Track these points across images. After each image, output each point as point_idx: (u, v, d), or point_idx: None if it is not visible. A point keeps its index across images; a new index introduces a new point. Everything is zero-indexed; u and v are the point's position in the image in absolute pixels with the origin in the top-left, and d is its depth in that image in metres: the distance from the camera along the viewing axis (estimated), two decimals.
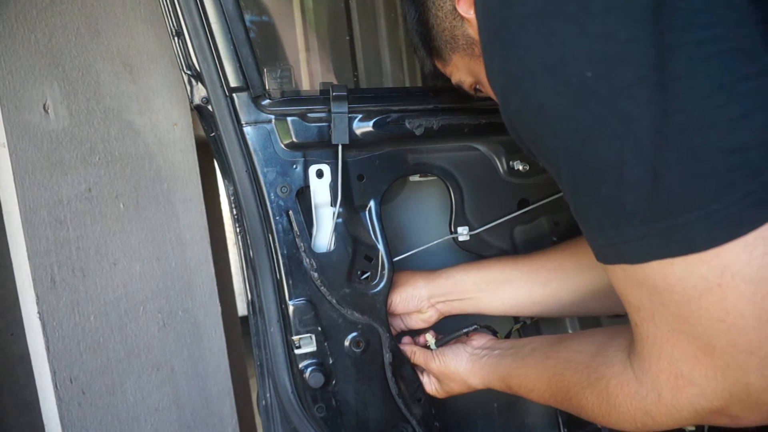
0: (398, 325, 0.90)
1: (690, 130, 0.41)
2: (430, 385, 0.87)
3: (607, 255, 0.49)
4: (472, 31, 0.65)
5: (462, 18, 0.64)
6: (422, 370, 0.88)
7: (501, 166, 0.90)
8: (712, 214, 0.41)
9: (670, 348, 0.48)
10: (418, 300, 0.86)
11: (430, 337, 0.86)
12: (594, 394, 0.59)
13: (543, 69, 0.46)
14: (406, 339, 0.89)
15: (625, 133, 0.43)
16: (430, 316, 0.87)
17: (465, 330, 0.86)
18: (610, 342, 0.61)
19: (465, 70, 0.72)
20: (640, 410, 0.53)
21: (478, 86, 0.73)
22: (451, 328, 0.88)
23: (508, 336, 0.90)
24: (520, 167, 0.90)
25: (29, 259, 0.85)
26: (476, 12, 0.53)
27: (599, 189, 0.46)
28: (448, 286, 0.86)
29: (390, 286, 0.84)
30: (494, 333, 0.87)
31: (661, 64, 0.41)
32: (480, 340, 0.84)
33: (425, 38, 0.72)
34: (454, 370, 0.82)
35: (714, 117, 0.41)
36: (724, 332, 0.44)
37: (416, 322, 0.88)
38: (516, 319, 0.97)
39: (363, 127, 0.80)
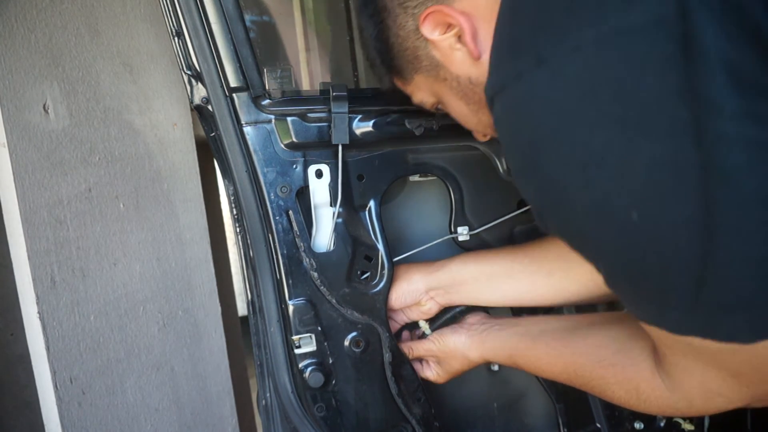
0: (400, 318, 0.89)
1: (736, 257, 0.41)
2: (431, 370, 0.86)
3: (648, 320, 0.52)
4: (438, 53, 0.63)
5: (426, 39, 0.62)
6: (421, 360, 0.88)
7: (501, 166, 0.90)
8: (753, 320, 0.44)
9: (700, 374, 0.53)
10: (415, 294, 0.86)
11: (423, 323, 0.87)
12: (623, 391, 0.64)
13: (583, 210, 0.45)
14: (404, 335, 0.89)
15: (671, 259, 0.43)
16: (429, 308, 0.87)
17: (457, 309, 0.86)
18: (631, 341, 0.64)
19: (427, 91, 0.70)
20: (670, 408, 0.60)
21: (440, 106, 0.72)
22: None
23: None
24: None
25: (29, 259, 0.85)
26: (502, 126, 0.50)
27: (641, 286, 0.48)
28: (446, 279, 0.85)
29: (390, 286, 0.84)
30: (485, 311, 0.88)
31: (705, 192, 0.39)
32: (475, 317, 0.85)
33: (384, 56, 0.69)
34: (453, 346, 0.82)
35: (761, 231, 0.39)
36: (753, 368, 0.48)
37: (416, 314, 0.88)
38: (516, 314, 0.97)
39: (363, 127, 0.80)
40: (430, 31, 0.60)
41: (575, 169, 0.44)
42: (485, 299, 0.86)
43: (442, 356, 0.84)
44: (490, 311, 0.89)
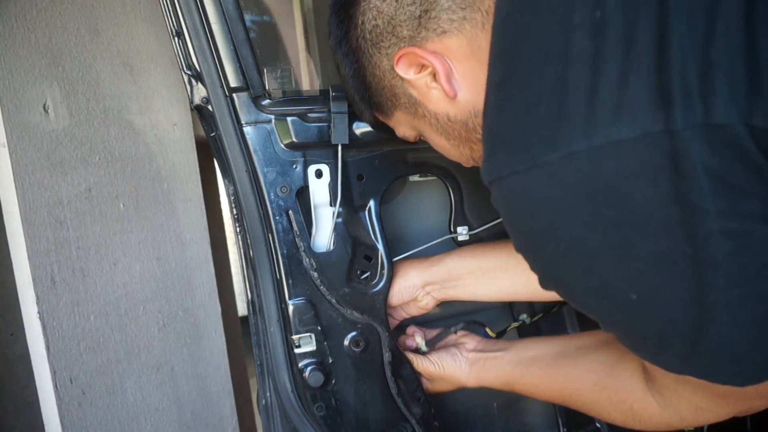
0: (398, 315, 0.90)
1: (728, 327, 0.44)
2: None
3: (646, 360, 0.56)
4: (415, 91, 0.63)
5: (401, 78, 0.62)
6: None
7: None
8: (744, 370, 0.48)
9: (690, 395, 0.58)
10: (412, 290, 0.86)
11: (419, 339, 0.87)
12: (618, 412, 0.68)
13: (584, 289, 0.49)
14: (398, 343, 0.90)
15: (668, 327, 0.47)
16: (426, 304, 0.87)
17: (453, 328, 0.87)
18: (620, 364, 0.68)
19: (408, 126, 0.70)
20: (664, 424, 0.64)
21: (423, 138, 0.72)
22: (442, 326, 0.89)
23: (502, 333, 0.90)
24: None
25: (29, 259, 0.85)
26: (501, 210, 0.51)
27: (641, 344, 0.52)
28: (442, 274, 0.85)
29: (390, 286, 0.84)
30: (483, 326, 0.88)
31: (697, 277, 0.42)
32: (471, 343, 0.86)
33: (363, 94, 0.69)
34: (450, 372, 0.84)
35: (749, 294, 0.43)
36: (740, 393, 0.52)
37: (414, 309, 0.89)
38: (514, 317, 0.97)
39: (363, 127, 0.80)
40: (404, 71, 0.60)
41: (574, 258, 0.47)
42: (482, 294, 0.86)
43: (436, 378, 0.86)
44: (491, 320, 0.90)
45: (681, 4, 0.40)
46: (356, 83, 0.68)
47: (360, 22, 0.63)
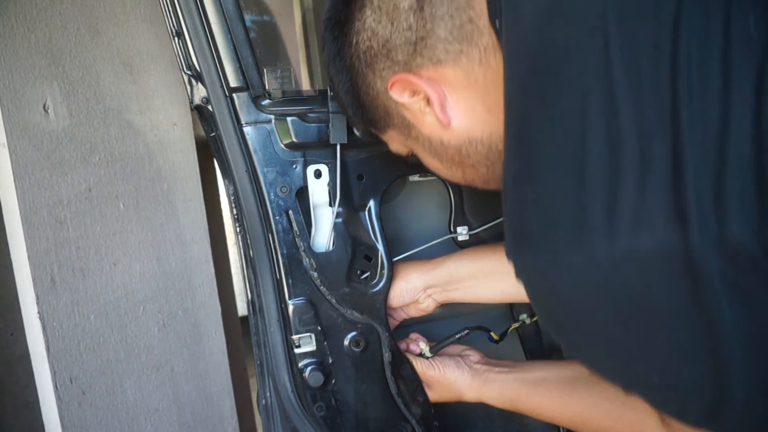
0: (398, 315, 0.89)
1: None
2: None
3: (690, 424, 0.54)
4: (408, 114, 0.62)
5: (395, 100, 0.62)
6: None
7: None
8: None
9: None
10: (413, 292, 0.85)
11: (424, 345, 0.86)
12: None
13: (609, 368, 0.50)
14: (402, 346, 0.89)
15: (689, 399, 0.47)
16: (427, 306, 0.87)
17: (458, 335, 0.86)
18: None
19: (401, 144, 0.70)
20: None
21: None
22: (445, 333, 0.88)
23: (504, 335, 0.90)
24: None
25: (29, 259, 0.85)
26: (523, 283, 0.52)
27: (664, 405, 0.51)
28: (443, 276, 0.85)
29: (389, 286, 0.84)
30: (488, 332, 0.87)
31: (717, 363, 0.43)
32: (476, 356, 0.85)
33: (356, 110, 0.68)
34: (452, 380, 0.83)
35: None
36: None
37: (414, 311, 0.88)
38: (514, 318, 0.97)
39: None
40: (398, 95, 0.60)
41: (597, 343, 0.49)
42: (483, 296, 0.86)
43: (436, 385, 0.85)
44: (491, 323, 0.89)
45: (694, 135, 0.41)
46: (350, 99, 0.68)
47: (354, 41, 0.62)
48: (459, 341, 0.87)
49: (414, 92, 0.59)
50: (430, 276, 0.85)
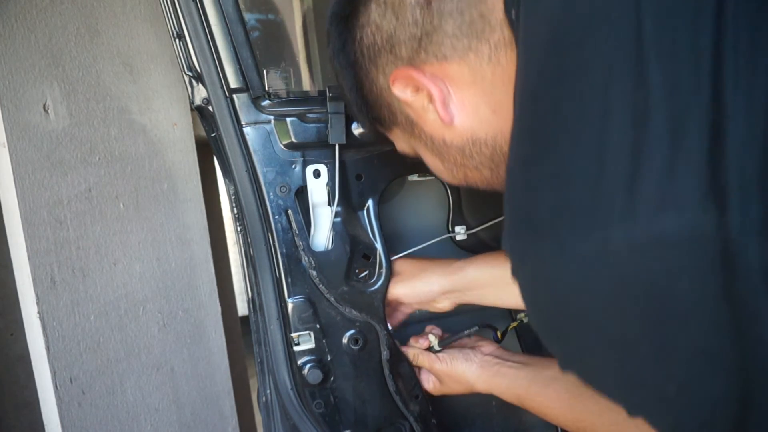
0: (408, 309, 0.88)
1: None
2: (428, 383, 0.87)
3: None
4: (411, 111, 0.61)
5: (398, 97, 0.60)
6: (420, 368, 0.88)
7: None
8: None
9: None
10: (430, 294, 0.84)
11: (433, 338, 0.86)
12: None
13: (616, 382, 0.44)
14: (411, 340, 0.89)
15: (707, 420, 0.41)
16: (443, 306, 0.86)
17: (467, 332, 0.86)
18: None
19: (406, 144, 0.69)
20: None
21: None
22: (447, 327, 0.88)
23: (504, 333, 0.91)
24: None
25: (29, 259, 0.86)
26: (524, 292, 0.47)
27: (679, 428, 0.44)
28: (463, 283, 0.83)
29: (388, 285, 0.84)
30: (495, 331, 0.88)
31: (742, 377, 0.38)
32: (488, 348, 0.85)
33: (361, 107, 0.67)
34: (461, 373, 0.82)
35: None
36: None
37: (429, 307, 0.87)
38: (513, 317, 0.97)
39: (361, 127, 0.81)
40: (400, 91, 0.58)
41: (605, 349, 0.43)
42: (501, 302, 0.84)
43: (446, 378, 0.84)
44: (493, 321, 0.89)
45: (738, 106, 0.36)
46: (354, 96, 0.66)
47: (358, 36, 0.61)
48: (468, 337, 0.87)
49: (416, 88, 0.57)
50: (449, 281, 0.84)
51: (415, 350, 0.86)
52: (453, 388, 0.84)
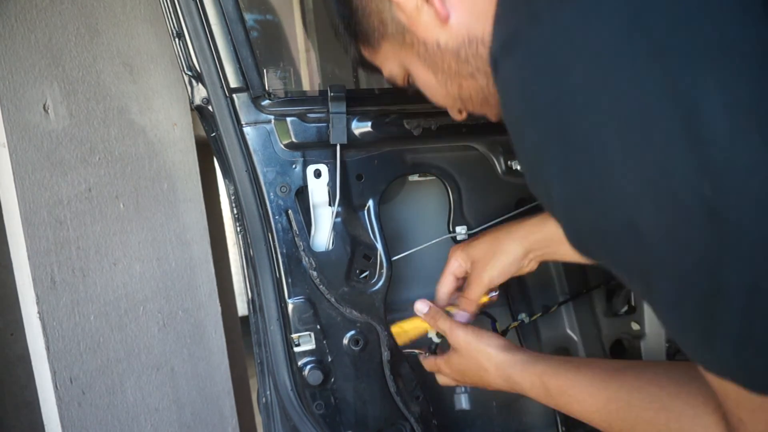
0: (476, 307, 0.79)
1: None
2: (442, 367, 0.77)
3: (716, 369, 0.41)
4: (404, 15, 0.57)
5: (390, 0, 0.56)
6: (432, 350, 0.80)
7: (499, 166, 0.91)
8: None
9: None
10: (516, 264, 0.77)
11: (432, 333, 0.85)
12: None
13: (635, 182, 0.37)
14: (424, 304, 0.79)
15: (762, 261, 0.35)
16: (530, 268, 0.79)
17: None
18: (695, 384, 0.51)
19: (395, 61, 0.64)
20: None
21: (411, 81, 0.65)
22: None
23: (505, 333, 0.90)
24: (519, 167, 0.90)
25: (29, 259, 0.85)
26: (514, 88, 0.43)
27: (714, 314, 0.38)
28: (545, 240, 0.76)
29: (389, 285, 0.84)
30: (494, 321, 0.87)
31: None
32: (501, 339, 0.76)
33: (348, 21, 0.62)
34: (486, 342, 0.72)
35: None
36: None
37: (517, 273, 0.79)
38: (514, 317, 0.97)
39: (361, 128, 0.81)
40: None
41: (623, 126, 0.37)
42: (579, 257, 0.76)
43: (464, 349, 0.73)
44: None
45: None
46: (342, 9, 0.62)
47: None
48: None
49: None
50: (529, 241, 0.77)
51: (435, 311, 0.77)
52: (468, 364, 0.74)
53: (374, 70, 0.68)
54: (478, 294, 0.78)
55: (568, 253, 0.73)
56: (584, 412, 0.62)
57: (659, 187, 0.36)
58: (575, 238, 0.44)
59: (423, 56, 0.59)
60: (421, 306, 0.78)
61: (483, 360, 0.72)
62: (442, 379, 0.78)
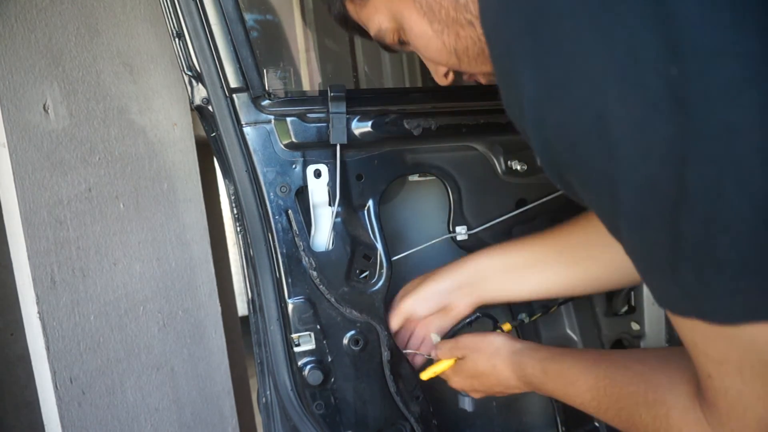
0: (426, 331, 0.84)
1: None
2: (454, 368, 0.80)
3: (681, 307, 0.41)
4: None
5: None
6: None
7: (499, 166, 0.91)
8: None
9: (762, 407, 0.41)
10: (441, 295, 0.81)
11: (434, 336, 0.85)
12: (650, 416, 0.53)
13: (604, 69, 0.36)
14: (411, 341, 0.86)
15: (724, 154, 0.33)
16: (462, 308, 0.81)
17: (468, 319, 0.85)
18: (674, 360, 0.53)
19: (385, 13, 0.60)
20: None
21: (402, 37, 0.62)
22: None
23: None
24: (518, 167, 0.91)
25: (29, 259, 0.85)
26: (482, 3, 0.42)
27: (677, 225, 0.36)
28: (475, 272, 0.79)
29: (389, 285, 0.84)
30: (495, 321, 0.87)
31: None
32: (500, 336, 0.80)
33: None
34: (490, 340, 0.76)
35: None
36: None
37: (448, 320, 0.83)
38: (513, 317, 0.97)
39: (361, 128, 0.81)
40: None
41: (592, 12, 0.36)
42: (515, 293, 0.79)
43: (471, 351, 0.77)
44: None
45: None
46: None
47: None
48: (470, 326, 0.84)
49: None
50: (460, 273, 0.80)
51: (442, 346, 0.80)
52: (477, 363, 0.76)
53: (358, 30, 0.65)
54: (394, 323, 0.84)
55: (506, 288, 0.79)
56: (577, 394, 0.64)
57: (628, 74, 0.35)
58: (545, 151, 0.42)
59: (418, 4, 0.57)
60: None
61: (491, 351, 0.75)
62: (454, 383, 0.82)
